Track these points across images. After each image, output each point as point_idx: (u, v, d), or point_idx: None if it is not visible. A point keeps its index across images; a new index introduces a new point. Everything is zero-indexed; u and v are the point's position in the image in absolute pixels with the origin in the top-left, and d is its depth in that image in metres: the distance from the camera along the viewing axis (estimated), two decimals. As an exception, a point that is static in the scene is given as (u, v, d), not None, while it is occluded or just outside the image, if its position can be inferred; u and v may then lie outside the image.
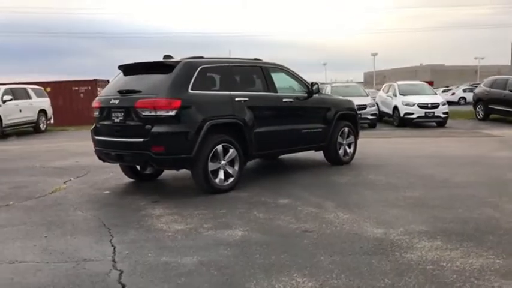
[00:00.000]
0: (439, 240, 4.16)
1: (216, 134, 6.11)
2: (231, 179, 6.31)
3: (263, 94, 6.98)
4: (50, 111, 19.59)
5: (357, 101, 16.70)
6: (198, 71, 6.13)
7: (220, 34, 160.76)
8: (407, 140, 12.96)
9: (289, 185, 6.73)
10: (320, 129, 7.78)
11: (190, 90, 5.97)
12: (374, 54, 60.54)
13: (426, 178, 7.05)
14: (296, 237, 4.39)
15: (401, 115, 17.00)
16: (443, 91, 40.63)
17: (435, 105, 16.79)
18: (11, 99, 16.63)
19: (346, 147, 8.38)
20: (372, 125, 17.22)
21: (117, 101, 6.14)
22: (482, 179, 6.96)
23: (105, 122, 6.38)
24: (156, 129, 5.75)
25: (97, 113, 6.54)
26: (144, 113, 5.82)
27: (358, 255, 3.86)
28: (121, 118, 6.10)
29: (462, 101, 37.16)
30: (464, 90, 38.21)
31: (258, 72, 7.08)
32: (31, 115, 18.04)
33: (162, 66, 6.19)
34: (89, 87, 23.79)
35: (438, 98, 17.67)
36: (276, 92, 7.15)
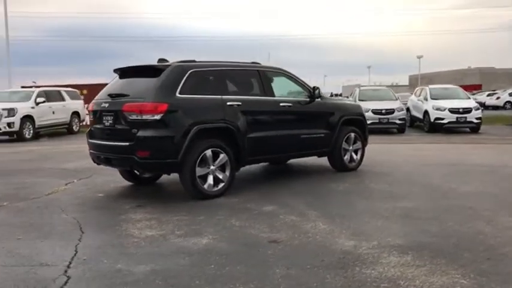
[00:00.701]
0: (410, 256, 3.91)
1: (205, 139, 6.03)
2: (221, 185, 6.20)
3: (258, 98, 6.82)
4: (83, 113, 20.13)
5: (385, 105, 16.55)
6: (187, 74, 6.07)
7: (266, 36, 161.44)
8: (430, 146, 12.46)
9: (283, 190, 6.58)
10: (322, 135, 7.54)
11: (178, 94, 5.92)
12: (419, 57, 59.12)
13: (430, 188, 6.71)
14: (261, 247, 4.23)
15: (432, 120, 16.31)
16: (488, 95, 38.98)
17: (467, 110, 16.05)
18: (44, 101, 17.19)
19: (353, 154, 8.10)
20: (400, 130, 16.69)
21: (107, 105, 6.18)
22: (491, 190, 6.55)
23: (98, 126, 6.44)
24: (141, 133, 5.73)
25: (91, 117, 6.61)
26: (130, 117, 5.82)
27: (316, 269, 3.67)
28: (111, 122, 6.13)
29: (508, 105, 35.41)
30: (511, 94, 36.40)
31: (255, 76, 6.92)
32: (64, 117, 18.60)
33: (153, 70, 6.16)
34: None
35: (471, 102, 16.83)
36: (274, 96, 6.98)
